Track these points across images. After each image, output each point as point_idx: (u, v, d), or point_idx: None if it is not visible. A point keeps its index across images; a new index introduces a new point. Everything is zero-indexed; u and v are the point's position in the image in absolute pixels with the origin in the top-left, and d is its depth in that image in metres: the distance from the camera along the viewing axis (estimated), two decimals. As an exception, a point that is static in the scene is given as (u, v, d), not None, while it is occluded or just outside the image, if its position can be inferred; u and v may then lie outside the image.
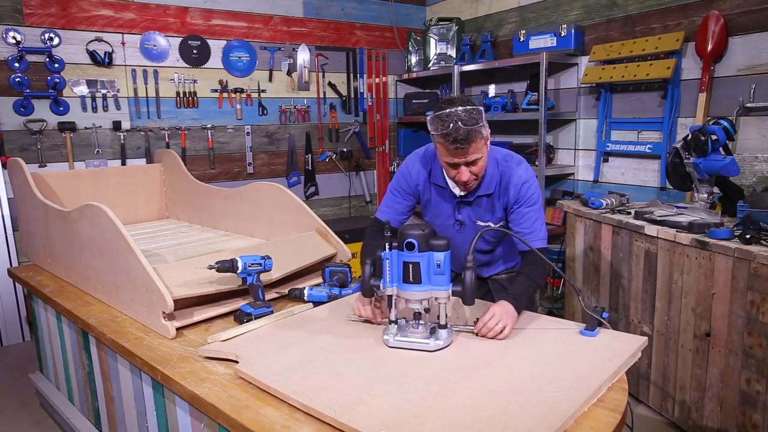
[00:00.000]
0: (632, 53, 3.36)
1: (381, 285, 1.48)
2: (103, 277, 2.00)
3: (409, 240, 1.40)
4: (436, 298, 1.44)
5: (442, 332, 1.46)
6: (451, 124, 1.57)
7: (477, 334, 1.52)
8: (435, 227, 1.97)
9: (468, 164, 1.68)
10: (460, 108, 1.59)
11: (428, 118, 1.65)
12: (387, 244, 1.45)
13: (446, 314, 1.47)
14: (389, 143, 5.14)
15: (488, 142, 1.72)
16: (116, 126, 3.84)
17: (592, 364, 1.31)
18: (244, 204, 2.64)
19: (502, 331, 1.50)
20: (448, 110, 1.59)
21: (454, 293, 1.44)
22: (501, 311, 1.54)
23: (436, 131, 1.62)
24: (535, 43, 3.95)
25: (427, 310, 1.48)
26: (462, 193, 1.83)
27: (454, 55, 4.67)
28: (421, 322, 1.49)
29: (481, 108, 1.64)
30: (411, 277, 1.42)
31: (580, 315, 3.11)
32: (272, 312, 1.76)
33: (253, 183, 2.58)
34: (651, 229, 2.54)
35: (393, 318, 1.50)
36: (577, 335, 1.51)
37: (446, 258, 1.41)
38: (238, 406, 1.24)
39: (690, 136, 2.62)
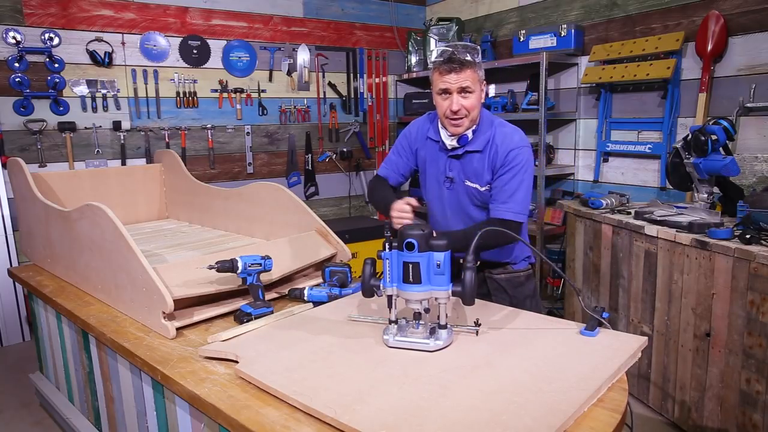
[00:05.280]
0: (632, 53, 3.36)
1: (381, 285, 1.48)
2: (103, 277, 2.00)
3: (409, 240, 1.40)
4: (436, 298, 1.44)
5: (442, 332, 1.45)
6: (451, 49, 1.74)
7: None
8: (427, 187, 2.04)
9: (460, 92, 1.76)
10: (460, 43, 1.80)
11: (431, 51, 1.85)
12: (387, 244, 1.45)
13: (446, 314, 1.47)
14: (389, 143, 5.14)
15: (482, 87, 1.82)
16: (116, 126, 3.84)
17: (592, 364, 1.31)
18: (244, 204, 2.63)
19: None
20: (449, 43, 1.79)
21: (454, 293, 1.44)
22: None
23: (436, 58, 1.78)
24: (535, 43, 3.95)
25: (427, 310, 1.48)
26: (453, 144, 1.87)
27: (454, 55, 4.66)
28: (421, 322, 1.49)
29: (479, 48, 1.82)
30: (411, 277, 1.42)
31: (580, 315, 3.11)
32: (272, 312, 1.76)
33: (253, 183, 2.57)
34: (651, 229, 2.54)
35: (393, 318, 1.50)
36: (577, 335, 1.50)
37: (446, 258, 1.41)
38: (238, 406, 1.24)
39: (690, 136, 2.62)
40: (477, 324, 1.53)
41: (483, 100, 1.87)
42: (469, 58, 1.73)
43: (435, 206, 2.03)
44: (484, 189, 1.88)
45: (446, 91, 1.78)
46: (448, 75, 1.75)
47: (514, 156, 1.80)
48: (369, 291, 1.50)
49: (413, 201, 1.75)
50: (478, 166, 1.87)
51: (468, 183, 1.90)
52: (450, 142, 1.88)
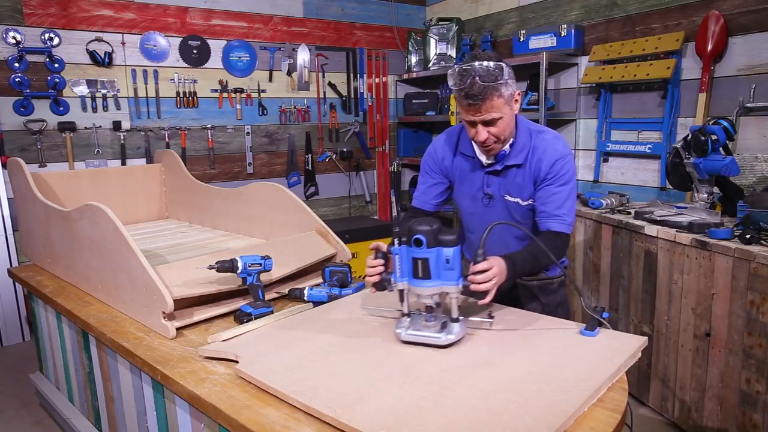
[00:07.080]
0: (632, 53, 3.36)
1: (392, 279, 1.47)
2: (103, 277, 2.00)
3: (417, 236, 1.40)
4: (446, 293, 1.44)
5: (454, 326, 1.44)
6: (468, 80, 1.53)
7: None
8: (463, 205, 1.89)
9: (485, 123, 1.61)
10: (478, 63, 1.54)
11: (449, 72, 1.62)
12: (396, 239, 1.44)
13: (458, 308, 1.46)
14: (389, 143, 5.14)
15: (514, 103, 1.64)
16: (116, 126, 3.84)
17: (592, 364, 1.31)
18: (244, 204, 2.63)
19: (486, 294, 1.43)
20: (467, 65, 1.55)
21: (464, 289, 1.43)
22: (498, 270, 1.45)
23: (454, 86, 1.59)
24: (535, 43, 3.95)
25: (438, 305, 1.47)
26: (489, 161, 1.74)
27: (454, 55, 4.67)
28: (433, 315, 1.49)
29: (504, 65, 1.57)
30: (420, 272, 1.42)
31: (580, 315, 3.11)
32: (272, 312, 1.76)
33: (253, 183, 2.57)
34: (651, 229, 2.54)
35: (406, 311, 1.49)
36: (577, 335, 1.50)
37: (455, 253, 1.40)
38: (238, 406, 1.24)
39: (690, 136, 2.62)
40: (490, 316, 1.52)
41: (517, 111, 1.69)
42: (490, 84, 1.53)
43: (472, 222, 1.90)
44: (526, 203, 1.76)
45: (471, 123, 1.64)
46: (468, 108, 1.59)
47: (561, 166, 1.68)
48: (380, 285, 1.50)
49: (383, 247, 1.55)
50: (519, 180, 1.74)
51: (508, 198, 1.77)
52: (487, 160, 1.75)
